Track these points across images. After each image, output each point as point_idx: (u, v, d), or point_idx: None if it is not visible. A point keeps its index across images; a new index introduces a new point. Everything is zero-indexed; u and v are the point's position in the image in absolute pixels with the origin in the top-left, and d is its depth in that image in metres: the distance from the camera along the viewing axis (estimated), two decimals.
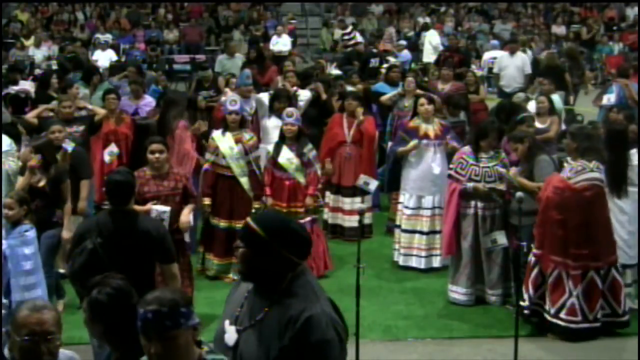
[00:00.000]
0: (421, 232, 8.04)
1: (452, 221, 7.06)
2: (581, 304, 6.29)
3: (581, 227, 6.24)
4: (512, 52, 13.31)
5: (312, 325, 2.95)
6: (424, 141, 8.02)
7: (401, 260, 8.16)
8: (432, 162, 8.00)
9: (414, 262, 8.09)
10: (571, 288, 6.28)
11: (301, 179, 7.76)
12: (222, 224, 7.75)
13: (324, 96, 10.39)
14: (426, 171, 8.00)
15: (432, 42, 17.50)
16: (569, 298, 6.30)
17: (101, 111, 9.19)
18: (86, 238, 4.64)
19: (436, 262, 8.05)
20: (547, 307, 6.40)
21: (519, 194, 6.02)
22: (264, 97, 9.69)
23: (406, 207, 8.10)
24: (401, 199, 8.23)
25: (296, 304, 3.00)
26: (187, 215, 6.41)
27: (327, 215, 9.21)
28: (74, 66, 14.34)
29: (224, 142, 7.72)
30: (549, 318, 6.40)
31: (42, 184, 6.79)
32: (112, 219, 4.75)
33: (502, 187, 6.97)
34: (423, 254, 8.05)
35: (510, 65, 13.12)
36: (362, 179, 8.56)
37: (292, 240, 3.06)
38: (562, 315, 6.33)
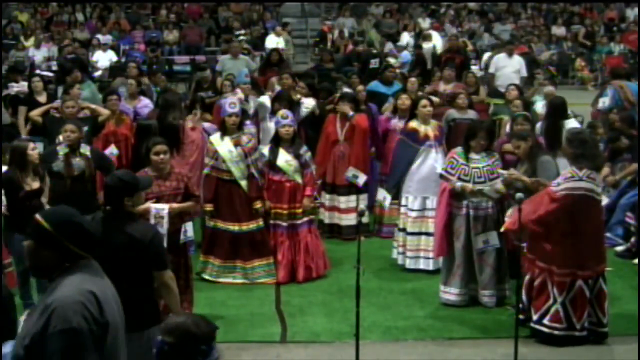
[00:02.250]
0: (427, 234, 7.98)
1: (443, 222, 7.04)
2: (568, 312, 6.23)
3: (564, 236, 6.16)
4: (510, 54, 13.33)
5: (58, 312, 3.01)
6: (427, 143, 8.07)
7: (408, 263, 8.10)
8: (435, 162, 8.00)
9: (422, 264, 8.06)
10: (556, 295, 6.23)
11: (300, 180, 7.79)
12: (223, 226, 7.75)
13: (317, 112, 10.27)
14: (429, 172, 7.96)
15: (437, 47, 17.39)
16: (553, 304, 6.25)
17: (105, 112, 9.21)
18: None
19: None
20: (531, 313, 6.37)
21: (519, 194, 6.00)
22: (266, 99, 9.69)
23: (411, 210, 8.07)
24: (403, 201, 8.19)
25: (56, 293, 3.09)
26: (178, 205, 6.29)
27: (323, 215, 9.21)
28: (78, 67, 14.33)
29: (223, 146, 7.72)
30: (532, 325, 6.36)
31: (36, 185, 6.75)
32: (103, 220, 4.67)
33: (490, 191, 6.94)
34: (431, 255, 7.95)
35: (508, 66, 13.14)
36: (351, 171, 8.56)
37: (75, 232, 3.20)
38: (545, 321, 6.28)
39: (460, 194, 7.00)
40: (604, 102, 11.04)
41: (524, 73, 13.21)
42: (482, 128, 7.24)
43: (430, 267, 8.01)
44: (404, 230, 8.16)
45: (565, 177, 6.26)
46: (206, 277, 7.79)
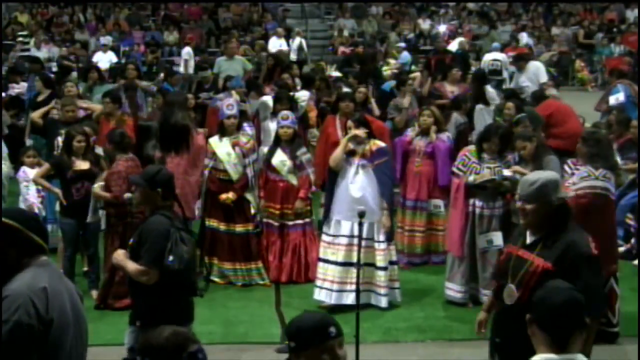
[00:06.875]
0: (335, 263, 6.99)
1: (463, 218, 6.98)
2: None
3: None
4: (520, 70, 12.53)
5: (6, 304, 3.08)
6: (348, 158, 7.11)
7: (316, 294, 7.11)
8: (351, 183, 7.01)
9: (323, 296, 7.06)
10: None
11: (294, 181, 7.77)
12: (222, 227, 7.75)
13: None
14: (343, 193, 7.04)
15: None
16: None
17: (97, 107, 9.35)
18: (171, 233, 4.57)
19: (348, 299, 6.88)
20: None
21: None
22: (268, 99, 9.69)
23: (325, 234, 7.16)
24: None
25: (9, 286, 3.14)
26: None
27: None
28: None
29: (221, 147, 7.72)
30: None
31: (85, 166, 7.22)
32: (168, 217, 4.71)
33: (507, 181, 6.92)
34: (335, 287, 7.00)
35: (524, 80, 12.72)
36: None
37: (38, 226, 3.34)
38: None
39: (472, 192, 6.97)
40: (617, 98, 10.82)
41: (544, 78, 12.25)
42: (497, 133, 7.19)
43: (332, 301, 6.96)
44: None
45: (581, 176, 6.24)
46: (215, 279, 7.79)
